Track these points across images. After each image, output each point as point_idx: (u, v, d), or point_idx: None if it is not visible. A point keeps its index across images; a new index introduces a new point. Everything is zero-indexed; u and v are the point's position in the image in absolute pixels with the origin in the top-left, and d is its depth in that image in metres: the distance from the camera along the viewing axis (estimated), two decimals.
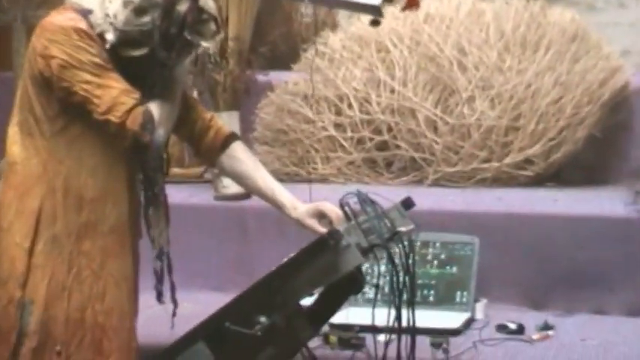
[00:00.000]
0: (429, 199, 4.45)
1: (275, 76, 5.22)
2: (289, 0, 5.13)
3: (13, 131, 2.90)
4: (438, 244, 4.11)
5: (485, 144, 4.78)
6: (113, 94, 2.73)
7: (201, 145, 3.10)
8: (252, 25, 4.65)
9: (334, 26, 5.97)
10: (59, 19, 2.80)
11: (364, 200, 2.96)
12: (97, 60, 2.76)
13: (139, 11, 2.74)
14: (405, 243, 2.94)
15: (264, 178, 3.09)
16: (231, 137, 3.13)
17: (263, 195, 3.10)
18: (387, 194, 4.55)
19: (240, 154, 3.10)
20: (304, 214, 3.03)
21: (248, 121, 5.10)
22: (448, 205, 4.46)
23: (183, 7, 2.75)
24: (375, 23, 3.31)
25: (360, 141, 4.94)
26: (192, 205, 4.62)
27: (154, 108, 2.78)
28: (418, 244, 3.94)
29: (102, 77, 2.75)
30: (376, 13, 3.24)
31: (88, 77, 2.74)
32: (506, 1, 5.17)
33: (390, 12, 4.89)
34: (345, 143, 4.95)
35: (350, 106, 4.96)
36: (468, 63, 4.89)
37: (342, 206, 2.93)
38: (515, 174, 4.79)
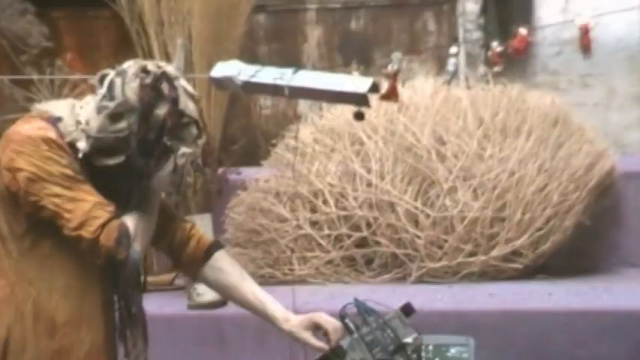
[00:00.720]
0: (415, 298, 4.08)
1: (243, 174, 5.11)
2: (262, 95, 4.97)
3: None
4: (430, 348, 3.69)
5: (470, 237, 4.69)
6: (85, 208, 2.55)
7: (182, 257, 2.91)
8: (221, 122, 4.47)
9: (296, 117, 5.83)
10: (26, 128, 2.61)
11: (365, 310, 2.83)
12: (67, 171, 2.57)
13: (115, 117, 2.57)
14: (411, 354, 2.86)
15: (252, 290, 2.90)
16: (214, 246, 2.94)
17: (252, 307, 2.90)
18: (370, 294, 4.51)
19: (224, 265, 2.91)
20: (298, 327, 2.84)
21: (218, 223, 4.93)
22: (437, 304, 4.33)
23: (162, 111, 2.59)
24: (359, 117, 3.12)
25: (338, 238, 4.85)
26: (164, 316, 4.43)
27: (130, 221, 2.61)
28: (409, 347, 3.73)
29: (73, 190, 2.56)
30: (362, 102, 3.05)
31: (58, 190, 2.56)
32: (483, 88, 5.15)
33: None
34: (322, 241, 4.85)
35: (325, 202, 4.87)
36: (447, 152, 4.81)
37: (342, 318, 2.79)
38: (503, 267, 4.70)
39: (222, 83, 3.25)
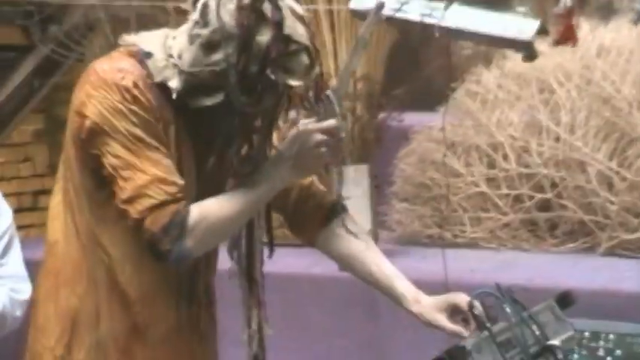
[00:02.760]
0: (601, 274, 3.94)
1: (416, 120, 4.72)
2: (423, 37, 4.54)
3: (55, 202, 2.39)
4: (611, 337, 3.57)
5: None
6: (140, 181, 2.21)
7: (297, 218, 2.58)
8: (384, 62, 4.01)
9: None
10: (105, 68, 2.26)
11: (505, 299, 2.39)
12: (136, 131, 2.22)
13: (209, 47, 2.20)
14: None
15: (378, 262, 2.53)
16: (337, 209, 2.57)
17: (375, 282, 2.54)
18: (549, 265, 4.06)
19: (346, 231, 2.54)
20: (431, 307, 2.47)
21: (384, 174, 4.59)
22: (626, 284, 3.84)
23: (264, 38, 2.20)
24: (529, 57, 2.62)
25: (518, 199, 4.44)
26: (312, 277, 4.12)
27: (199, 210, 2.25)
28: (586, 334, 3.51)
29: (136, 155, 2.22)
30: (527, 49, 2.56)
31: (120, 150, 2.22)
32: None
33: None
34: (499, 201, 4.45)
35: (505, 157, 4.46)
36: None
37: (470, 308, 2.38)
38: None
39: (362, 16, 2.79)
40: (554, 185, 4.36)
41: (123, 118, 2.21)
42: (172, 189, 2.21)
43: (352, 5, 2.81)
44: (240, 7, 2.18)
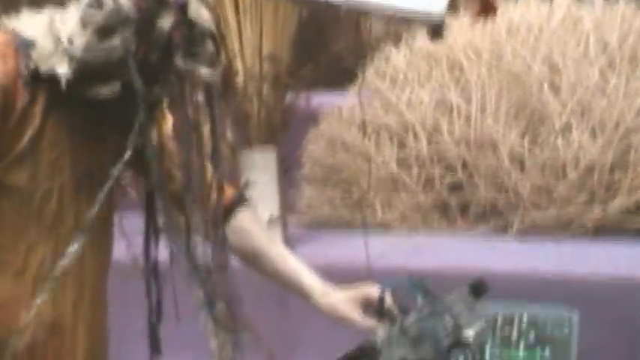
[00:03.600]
0: (513, 256, 3.95)
1: (325, 101, 4.66)
2: (312, 8, 4.45)
3: None
4: (525, 320, 3.47)
5: (585, 184, 4.21)
6: None
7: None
8: (290, 41, 3.92)
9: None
10: None
11: (415, 289, 2.32)
12: None
13: (105, 31, 2.02)
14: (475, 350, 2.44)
15: (283, 257, 2.41)
16: (238, 202, 2.42)
17: (282, 278, 2.42)
18: (460, 247, 4.02)
19: (249, 225, 2.41)
20: (341, 302, 2.36)
21: (293, 157, 4.49)
22: (538, 266, 3.84)
23: (166, 22, 2.03)
24: (436, 35, 2.50)
25: (429, 180, 4.41)
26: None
27: None
28: (499, 319, 3.39)
29: None
30: (437, 25, 2.43)
31: None
32: (610, 6, 4.67)
33: (464, 21, 4.27)
34: (410, 182, 4.39)
35: (416, 137, 4.43)
36: (562, 83, 4.33)
37: (380, 301, 2.28)
38: (624, 222, 4.21)
39: None
40: (465, 165, 4.34)
41: None
42: None
43: None
44: None
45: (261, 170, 3.91)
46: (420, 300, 2.29)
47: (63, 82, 2.01)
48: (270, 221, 3.97)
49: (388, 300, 2.27)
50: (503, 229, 4.27)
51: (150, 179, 2.15)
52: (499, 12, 4.40)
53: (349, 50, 5.71)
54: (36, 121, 2.04)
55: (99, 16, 1.99)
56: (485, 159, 4.28)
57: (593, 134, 4.22)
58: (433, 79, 4.52)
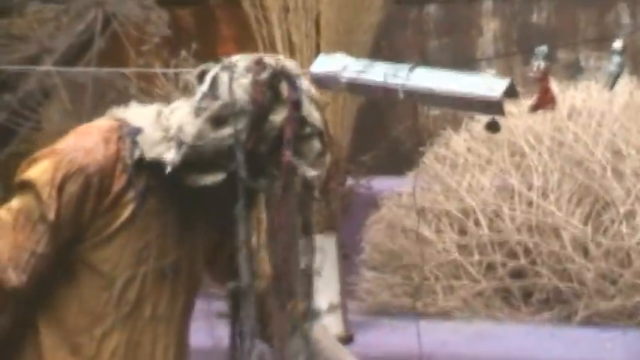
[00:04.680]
0: (578, 345, 3.90)
1: (384, 186, 4.60)
2: (370, 97, 4.46)
3: None
4: None
5: None
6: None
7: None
8: (350, 126, 3.89)
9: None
10: (70, 143, 2.09)
11: None
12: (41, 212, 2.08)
13: (218, 121, 2.03)
14: None
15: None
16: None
17: None
18: (524, 336, 3.93)
19: (321, 336, 2.32)
20: None
21: (352, 242, 4.45)
22: (606, 356, 3.83)
23: (278, 117, 2.04)
24: (492, 127, 2.46)
25: (491, 266, 4.36)
26: None
27: None
28: None
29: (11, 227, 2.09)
30: (495, 110, 2.39)
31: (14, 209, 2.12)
32: None
33: (525, 107, 4.16)
34: (471, 269, 4.36)
35: (477, 222, 4.38)
36: (626, 168, 4.28)
37: None
38: None
39: (323, 81, 2.64)
40: (527, 251, 4.27)
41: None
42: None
43: (313, 69, 2.67)
44: (255, 83, 2.03)
45: (321, 255, 3.86)
46: None
47: (169, 168, 2.01)
48: (331, 308, 3.92)
49: None
50: (567, 317, 4.19)
51: (238, 278, 2.13)
52: (560, 97, 4.37)
53: (408, 135, 5.72)
54: (129, 207, 2.05)
55: (213, 106, 2.01)
56: (548, 245, 4.21)
57: None
58: (494, 163, 4.46)
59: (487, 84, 2.47)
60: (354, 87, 2.64)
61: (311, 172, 2.03)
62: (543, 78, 2.84)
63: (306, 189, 2.08)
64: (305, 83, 2.10)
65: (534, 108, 2.85)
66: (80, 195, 2.04)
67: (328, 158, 2.09)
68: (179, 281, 2.10)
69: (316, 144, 2.07)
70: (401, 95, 2.56)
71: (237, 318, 2.17)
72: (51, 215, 2.03)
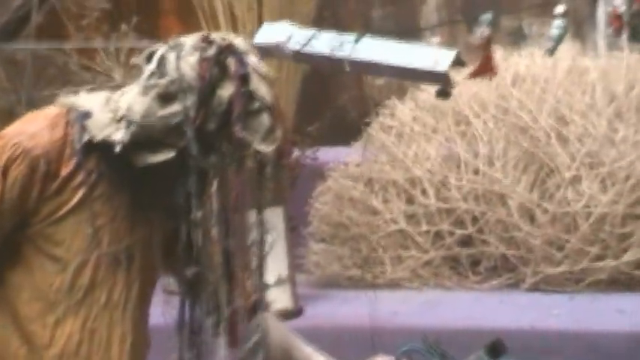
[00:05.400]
0: (526, 312, 3.88)
1: (330, 156, 4.58)
2: (317, 67, 4.44)
3: None
4: None
5: (596, 237, 4.16)
6: None
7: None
8: (295, 98, 3.86)
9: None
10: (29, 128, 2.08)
11: (433, 352, 2.30)
12: None
13: (166, 98, 2.03)
14: None
15: (300, 348, 2.34)
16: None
17: None
18: (473, 303, 3.95)
19: (270, 326, 2.33)
20: None
21: (299, 214, 4.40)
22: (553, 322, 3.80)
23: (226, 92, 2.03)
24: (442, 94, 2.47)
25: (439, 235, 4.36)
26: None
27: None
28: None
29: None
30: (443, 81, 2.40)
31: None
32: (615, 56, 4.64)
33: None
34: (419, 239, 4.35)
35: (424, 192, 4.37)
36: (570, 134, 4.28)
37: None
38: (637, 275, 4.13)
39: (268, 51, 2.62)
40: (475, 220, 4.27)
41: None
42: None
43: (258, 39, 2.64)
44: (202, 60, 2.02)
45: (269, 229, 3.84)
46: None
47: (118, 147, 2.00)
48: (279, 281, 3.90)
49: None
50: (515, 284, 4.20)
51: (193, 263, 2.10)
52: (504, 64, 4.38)
53: (353, 104, 5.70)
54: (79, 192, 2.03)
55: (161, 83, 2.01)
56: (495, 213, 4.21)
57: (604, 185, 4.15)
58: (440, 132, 4.46)
59: (434, 55, 2.47)
60: (300, 57, 2.64)
61: (263, 147, 2.02)
62: (486, 45, 2.85)
63: (258, 165, 2.07)
64: (253, 59, 2.08)
65: (474, 74, 2.87)
66: (25, 179, 2.03)
67: (279, 133, 2.09)
68: (133, 268, 2.08)
69: (266, 119, 2.06)
70: (347, 67, 2.56)
71: (191, 302, 2.16)
72: None
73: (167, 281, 2.20)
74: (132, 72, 2.23)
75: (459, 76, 4.13)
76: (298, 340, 2.36)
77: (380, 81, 5.91)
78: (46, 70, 4.43)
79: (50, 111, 2.11)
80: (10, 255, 2.05)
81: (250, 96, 2.04)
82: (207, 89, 2.03)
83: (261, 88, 2.06)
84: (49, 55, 4.37)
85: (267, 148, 2.02)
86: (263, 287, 2.26)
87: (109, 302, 2.07)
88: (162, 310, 2.20)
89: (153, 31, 4.73)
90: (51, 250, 2.02)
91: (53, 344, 2.04)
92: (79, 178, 2.04)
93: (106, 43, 4.51)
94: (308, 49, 2.60)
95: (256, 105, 2.04)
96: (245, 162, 2.05)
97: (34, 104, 4.44)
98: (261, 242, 2.17)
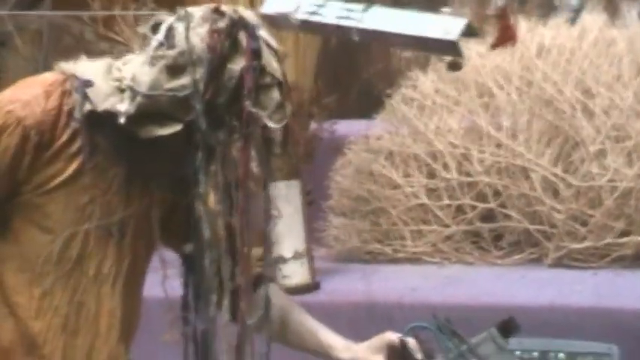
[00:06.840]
0: (548, 288, 3.80)
1: (351, 129, 4.53)
2: (325, 36, 4.38)
3: None
4: (561, 356, 3.33)
5: (622, 212, 4.05)
6: None
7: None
8: (312, 69, 3.84)
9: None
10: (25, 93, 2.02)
11: (441, 332, 2.25)
12: None
13: (174, 70, 1.98)
14: None
15: (301, 320, 2.32)
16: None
17: (302, 341, 2.33)
18: (494, 279, 3.89)
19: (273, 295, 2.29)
20: (365, 352, 2.28)
21: (320, 188, 4.36)
22: (575, 298, 3.71)
23: (237, 66, 1.98)
24: (453, 67, 2.42)
25: (460, 210, 4.28)
26: None
27: None
28: (535, 355, 3.26)
29: None
30: (452, 51, 2.33)
31: None
32: None
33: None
34: (440, 213, 4.28)
35: (446, 165, 4.29)
36: (596, 107, 4.17)
37: (403, 347, 2.21)
38: None
39: (275, 21, 2.57)
40: (497, 194, 4.20)
41: None
42: None
43: (265, 9, 2.58)
44: (213, 31, 1.97)
45: (285, 203, 3.79)
46: (446, 342, 2.21)
47: (122, 119, 1.96)
48: (296, 255, 3.86)
49: (412, 345, 2.20)
50: (538, 259, 4.13)
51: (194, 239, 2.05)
52: (529, 35, 4.29)
53: (379, 77, 5.64)
54: (74, 162, 2.00)
55: (169, 54, 1.96)
56: (518, 187, 4.14)
57: (629, 159, 4.05)
58: (462, 105, 4.38)
59: (444, 24, 2.41)
60: (308, 27, 2.58)
61: (272, 123, 1.97)
62: (503, 15, 2.78)
63: (266, 141, 2.02)
64: (264, 33, 2.03)
65: (494, 45, 2.80)
66: (17, 148, 1.99)
67: (289, 109, 2.03)
68: (125, 242, 2.05)
69: (276, 94, 2.02)
70: (355, 37, 2.50)
71: (191, 280, 2.11)
72: None
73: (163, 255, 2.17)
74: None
75: (481, 48, 4.10)
76: (296, 306, 2.33)
77: (407, 53, 5.83)
78: (61, 41, 4.40)
79: (46, 78, 2.06)
80: None
81: (262, 70, 2.00)
82: (217, 62, 1.97)
83: (272, 63, 2.02)
84: (65, 24, 4.33)
85: (276, 124, 1.98)
86: (270, 262, 2.22)
87: (98, 275, 2.03)
88: (163, 285, 2.16)
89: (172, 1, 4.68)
90: (41, 221, 1.98)
91: (40, 316, 2.00)
92: (73, 148, 2.00)
93: (124, 11, 4.46)
94: (316, 19, 2.56)
95: (267, 80, 2.00)
96: (253, 137, 2.02)
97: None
98: (268, 217, 2.12)
